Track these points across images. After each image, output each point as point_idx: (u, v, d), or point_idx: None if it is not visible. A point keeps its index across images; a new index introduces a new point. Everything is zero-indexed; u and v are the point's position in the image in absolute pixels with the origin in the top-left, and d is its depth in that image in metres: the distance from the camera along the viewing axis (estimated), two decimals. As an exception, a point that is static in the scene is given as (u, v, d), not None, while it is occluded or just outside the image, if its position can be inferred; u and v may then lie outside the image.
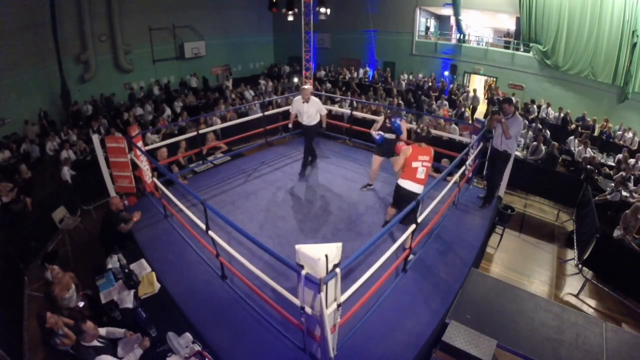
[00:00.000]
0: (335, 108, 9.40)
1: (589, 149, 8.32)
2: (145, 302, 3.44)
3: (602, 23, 10.49)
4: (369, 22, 15.14)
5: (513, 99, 7.50)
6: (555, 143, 8.12)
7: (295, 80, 14.09)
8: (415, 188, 3.73)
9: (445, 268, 3.86)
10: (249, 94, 12.79)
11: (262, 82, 14.36)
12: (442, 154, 5.62)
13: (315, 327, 2.53)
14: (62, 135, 9.48)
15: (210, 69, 16.57)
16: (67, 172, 6.82)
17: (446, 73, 14.60)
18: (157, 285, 3.61)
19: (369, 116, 8.03)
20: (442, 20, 16.22)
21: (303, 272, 2.26)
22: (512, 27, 14.11)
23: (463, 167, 4.58)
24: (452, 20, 14.51)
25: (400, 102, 11.21)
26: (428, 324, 3.18)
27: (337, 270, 2.31)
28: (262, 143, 7.08)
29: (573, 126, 10.31)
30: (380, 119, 5.13)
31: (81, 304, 3.52)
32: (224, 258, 3.50)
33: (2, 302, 3.85)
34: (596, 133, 9.93)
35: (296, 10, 11.13)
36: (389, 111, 4.99)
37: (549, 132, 9.33)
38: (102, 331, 2.99)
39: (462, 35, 14.11)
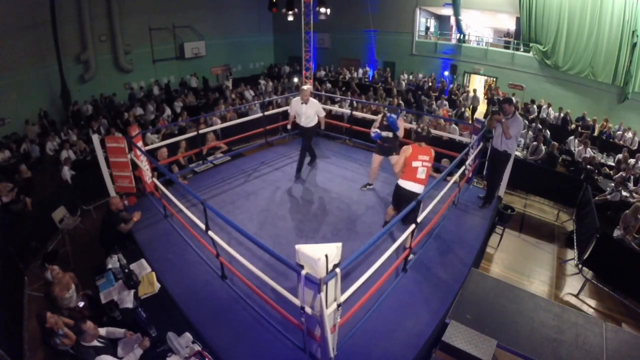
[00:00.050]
0: (335, 108, 9.41)
1: (589, 149, 8.32)
2: (145, 302, 3.44)
3: (602, 23, 10.49)
4: (369, 22, 15.13)
5: (513, 99, 7.49)
6: (555, 143, 8.12)
7: (295, 80, 14.09)
8: (416, 188, 3.71)
9: (445, 268, 3.86)
10: (249, 94, 12.79)
11: (262, 82, 14.36)
12: (442, 154, 5.62)
13: (315, 327, 2.54)
14: (62, 135, 9.48)
15: (210, 69, 16.58)
16: (67, 172, 6.82)
17: (446, 73, 14.60)
18: (157, 285, 3.61)
19: (369, 116, 8.03)
20: (442, 20, 16.22)
21: (303, 272, 2.26)
22: (512, 27, 14.11)
23: (463, 167, 4.58)
24: (452, 20, 14.51)
25: (400, 102, 11.21)
26: (428, 324, 3.18)
27: (337, 270, 2.31)
28: (262, 143, 7.08)
29: (573, 126, 10.32)
30: (378, 117, 5.14)
31: (81, 304, 3.52)
32: (224, 258, 3.50)
33: (2, 302, 3.85)
34: (596, 133, 9.93)
35: (296, 10, 11.13)
36: (386, 109, 5.00)
37: (549, 132, 9.33)
38: (102, 331, 2.99)
39: (462, 35, 14.11)
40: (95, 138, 4.95)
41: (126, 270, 3.66)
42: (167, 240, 4.31)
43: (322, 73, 15.79)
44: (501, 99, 7.12)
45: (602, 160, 8.45)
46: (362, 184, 5.49)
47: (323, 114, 5.68)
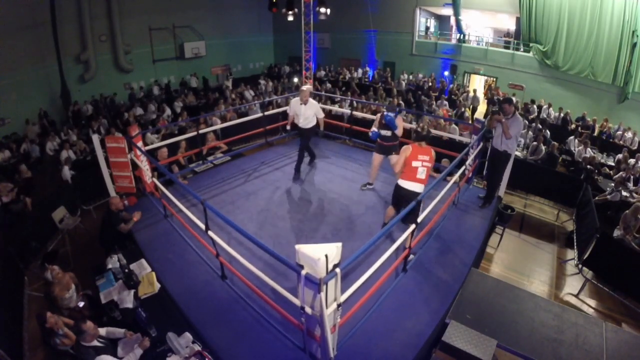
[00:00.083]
0: (335, 108, 9.41)
1: (589, 149, 8.32)
2: (145, 302, 3.44)
3: (602, 23, 10.49)
4: (369, 22, 15.14)
5: (513, 99, 7.49)
6: (555, 143, 8.12)
7: (295, 80, 14.10)
8: (416, 188, 3.70)
9: (445, 268, 3.86)
10: (249, 94, 12.80)
11: (262, 82, 14.36)
12: (442, 154, 5.62)
13: (315, 327, 2.54)
14: (62, 135, 9.48)
15: (210, 69, 16.58)
16: (67, 172, 6.82)
17: (446, 73, 14.60)
18: (157, 285, 3.61)
19: (369, 116, 8.03)
20: (442, 20, 16.22)
21: (303, 272, 2.26)
22: (512, 27, 14.11)
23: (463, 167, 4.58)
24: (452, 20, 14.52)
25: (401, 102, 11.21)
26: (428, 324, 3.18)
27: (337, 270, 2.30)
28: (262, 143, 7.08)
29: (573, 126, 10.32)
30: (377, 116, 5.14)
31: (81, 304, 3.52)
32: (224, 258, 3.50)
33: (2, 302, 3.85)
34: (596, 133, 9.94)
35: (296, 10, 11.14)
36: (384, 108, 5.00)
37: (549, 132, 9.33)
38: (102, 331, 2.99)
39: (462, 35, 14.11)
40: (95, 138, 4.95)
41: (126, 270, 3.66)
42: (167, 240, 4.31)
43: (322, 73, 15.79)
44: (501, 99, 7.11)
45: (602, 160, 8.45)
46: (362, 184, 5.49)
47: (322, 115, 5.67)
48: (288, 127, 5.92)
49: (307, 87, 6.65)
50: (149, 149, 5.62)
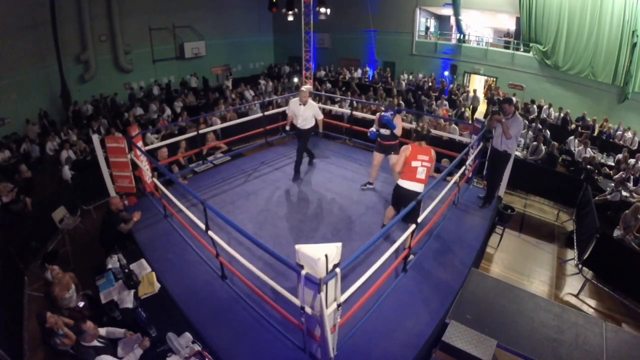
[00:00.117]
0: (335, 108, 9.41)
1: (589, 149, 8.32)
2: (145, 302, 3.44)
3: (602, 23, 10.49)
4: (369, 22, 15.14)
5: (513, 99, 7.49)
6: (555, 143, 8.12)
7: (295, 80, 14.10)
8: (416, 187, 3.70)
9: (445, 268, 3.86)
10: (249, 94, 12.80)
11: (262, 82, 14.36)
12: (442, 154, 5.61)
13: (315, 327, 2.53)
14: (62, 135, 9.48)
15: (210, 69, 16.58)
16: (67, 172, 6.82)
17: (446, 73, 14.60)
18: (157, 285, 3.61)
19: (369, 116, 8.03)
20: (442, 20, 16.22)
21: (303, 272, 2.26)
22: (512, 27, 14.11)
23: (463, 167, 4.58)
24: (452, 20, 14.52)
25: (401, 102, 11.21)
26: (428, 324, 3.18)
27: (337, 270, 2.30)
28: (262, 143, 7.08)
29: (573, 126, 10.32)
30: (377, 116, 5.14)
31: (81, 304, 3.52)
32: (224, 258, 3.50)
33: (2, 302, 3.85)
34: (596, 133, 9.94)
35: (296, 10, 11.14)
36: (382, 107, 5.00)
37: (549, 132, 9.34)
38: (102, 331, 2.99)
39: (462, 35, 14.11)
40: (95, 138, 4.95)
41: (126, 270, 3.66)
42: (167, 240, 4.31)
43: (322, 73, 15.80)
44: (501, 99, 7.12)
45: (602, 160, 8.45)
46: (363, 183, 5.49)
47: (321, 116, 5.64)
48: (287, 128, 5.91)
49: (307, 87, 6.65)
50: (149, 149, 5.62)
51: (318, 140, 7.07)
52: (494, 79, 13.73)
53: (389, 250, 3.08)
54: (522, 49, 12.76)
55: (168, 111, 11.04)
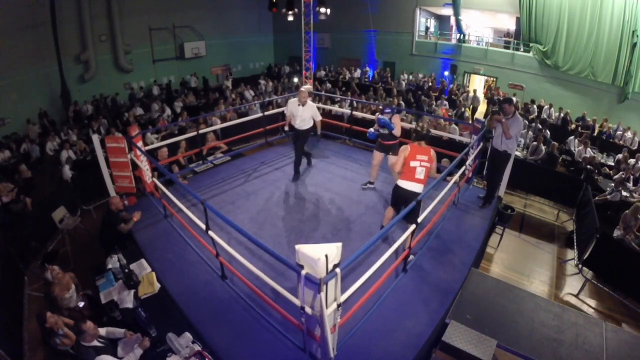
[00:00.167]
0: (335, 108, 9.41)
1: (589, 149, 8.33)
2: (145, 302, 3.44)
3: (602, 23, 10.49)
4: (369, 22, 15.14)
5: (513, 99, 7.49)
6: (555, 143, 8.12)
7: (295, 80, 14.10)
8: (415, 188, 3.70)
9: (445, 268, 3.86)
10: (249, 94, 12.80)
11: (262, 82, 14.37)
12: (442, 154, 5.61)
13: (315, 327, 2.53)
14: (62, 135, 9.49)
15: (210, 69, 16.58)
16: (68, 172, 6.82)
17: (446, 73, 14.60)
18: (157, 285, 3.61)
19: (368, 116, 8.03)
20: (442, 20, 16.22)
21: (303, 272, 2.26)
22: (512, 27, 14.11)
23: (463, 167, 4.58)
24: (452, 20, 14.51)
25: (401, 102, 11.21)
26: (428, 324, 3.18)
27: (337, 270, 2.30)
28: (262, 143, 7.08)
29: (573, 126, 10.32)
30: (377, 116, 5.14)
31: (81, 304, 3.52)
32: (224, 258, 3.50)
33: (2, 302, 3.85)
34: (596, 133, 9.94)
35: (296, 10, 11.15)
36: (380, 106, 5.00)
37: (549, 132, 9.34)
38: (102, 331, 2.99)
39: (462, 35, 14.11)
40: (95, 138, 4.95)
41: (126, 270, 3.66)
42: (167, 240, 4.31)
43: (322, 73, 15.80)
44: (501, 99, 7.12)
45: (602, 160, 8.45)
46: (363, 183, 5.49)
47: (319, 117, 5.62)
48: (286, 128, 5.90)
49: (307, 87, 6.65)
50: (149, 149, 5.62)
51: (318, 141, 7.07)
52: (494, 79, 13.73)
53: (389, 251, 3.08)
54: (522, 49, 12.76)
55: (168, 111, 11.04)
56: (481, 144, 5.20)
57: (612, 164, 8.23)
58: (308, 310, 2.42)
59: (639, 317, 4.41)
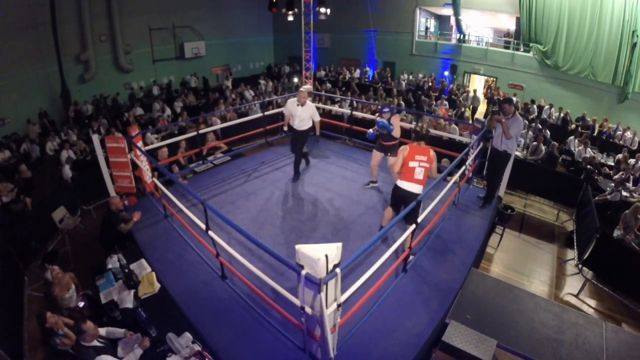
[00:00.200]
0: (335, 108, 9.41)
1: (589, 149, 8.33)
2: (145, 302, 3.44)
3: (602, 23, 10.49)
4: (369, 22, 15.14)
5: (513, 99, 7.49)
6: (555, 143, 8.12)
7: (295, 80, 14.10)
8: (414, 188, 3.69)
9: (445, 268, 3.86)
10: (249, 94, 12.80)
11: (262, 82, 14.37)
12: (442, 154, 5.62)
13: (315, 327, 2.53)
14: (62, 135, 9.48)
15: (210, 69, 16.58)
16: (68, 172, 6.82)
17: (446, 73, 14.60)
18: (157, 285, 3.61)
19: (368, 116, 8.02)
20: (442, 20, 16.22)
21: (303, 272, 2.26)
22: (512, 27, 14.11)
23: (463, 167, 4.58)
24: (452, 20, 14.51)
25: (401, 102, 11.21)
26: (428, 324, 3.18)
27: (337, 270, 2.30)
28: (262, 143, 7.08)
29: (573, 126, 10.32)
30: (376, 116, 5.14)
31: (81, 304, 3.52)
32: (224, 258, 3.50)
33: (2, 302, 3.85)
34: (596, 133, 9.94)
35: (296, 10, 11.14)
36: (379, 106, 5.01)
37: (549, 132, 9.34)
38: (102, 331, 2.99)
39: (462, 35, 14.11)
40: (95, 138, 4.95)
41: (126, 270, 3.66)
42: (167, 240, 4.31)
43: (322, 73, 15.79)
44: (501, 99, 7.12)
45: (602, 160, 8.45)
46: (364, 183, 5.51)
47: (318, 118, 5.59)
48: (285, 128, 5.89)
49: (306, 87, 6.65)
50: (149, 149, 5.62)
51: (317, 141, 7.07)
52: (494, 79, 13.73)
53: (389, 251, 3.08)
54: (522, 49, 12.75)
55: (168, 111, 11.04)
56: (481, 144, 5.20)
57: (612, 164, 8.23)
58: (308, 310, 2.42)
59: (639, 317, 4.40)
